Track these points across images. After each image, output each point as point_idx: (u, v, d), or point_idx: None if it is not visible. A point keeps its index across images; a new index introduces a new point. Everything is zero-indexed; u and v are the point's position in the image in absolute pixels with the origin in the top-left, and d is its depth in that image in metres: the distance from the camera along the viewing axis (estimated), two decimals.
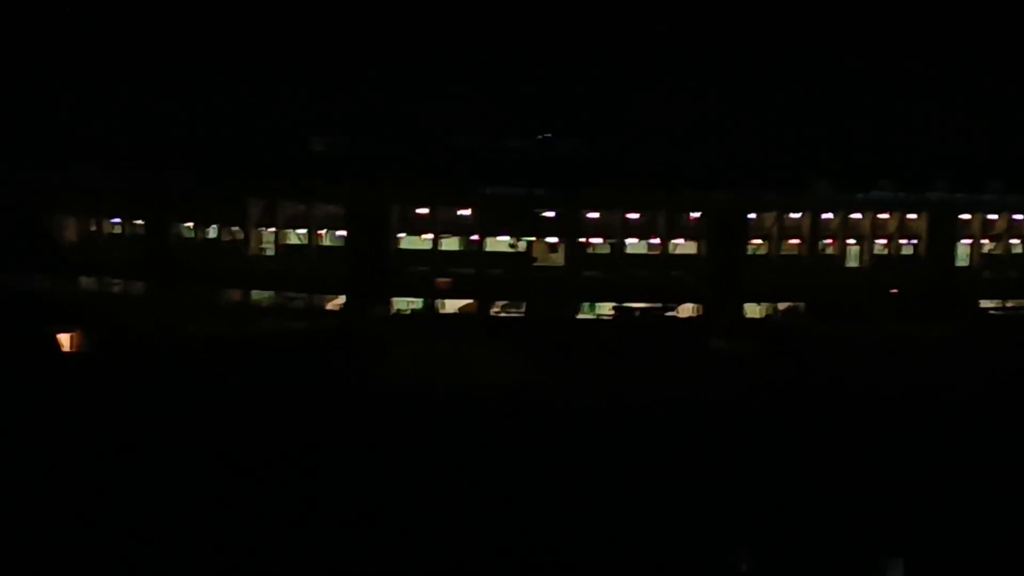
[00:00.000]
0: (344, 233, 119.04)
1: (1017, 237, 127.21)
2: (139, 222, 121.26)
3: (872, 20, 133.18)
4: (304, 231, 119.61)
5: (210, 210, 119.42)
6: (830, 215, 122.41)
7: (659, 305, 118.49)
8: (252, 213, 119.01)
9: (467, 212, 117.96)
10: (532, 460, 69.59)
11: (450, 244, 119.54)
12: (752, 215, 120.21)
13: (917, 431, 77.55)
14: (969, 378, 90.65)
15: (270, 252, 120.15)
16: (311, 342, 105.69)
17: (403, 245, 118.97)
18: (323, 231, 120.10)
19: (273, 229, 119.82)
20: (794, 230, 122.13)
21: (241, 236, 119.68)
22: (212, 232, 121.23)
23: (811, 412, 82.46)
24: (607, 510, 61.16)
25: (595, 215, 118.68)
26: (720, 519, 59.57)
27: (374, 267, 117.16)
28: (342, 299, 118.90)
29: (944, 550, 55.42)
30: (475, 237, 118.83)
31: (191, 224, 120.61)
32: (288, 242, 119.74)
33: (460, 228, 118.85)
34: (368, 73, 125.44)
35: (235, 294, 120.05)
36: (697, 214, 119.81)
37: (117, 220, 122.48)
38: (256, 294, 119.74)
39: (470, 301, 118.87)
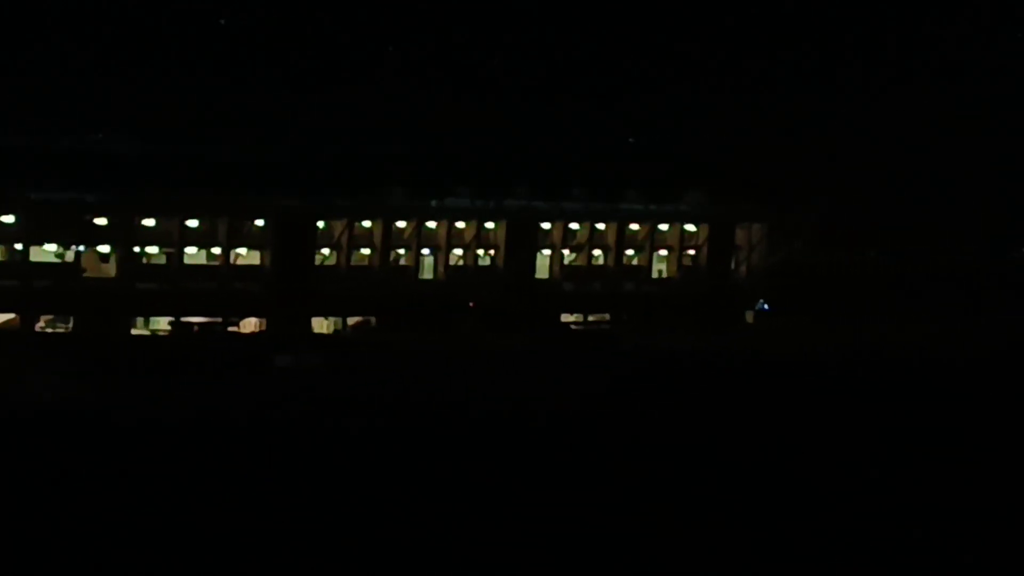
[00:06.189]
0: None
1: (599, 248, 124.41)
2: None
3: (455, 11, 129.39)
4: None
5: None
6: (403, 223, 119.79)
7: (220, 320, 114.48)
8: None
9: (9, 219, 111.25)
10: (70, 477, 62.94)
11: None
12: (320, 223, 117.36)
13: (480, 447, 73.39)
14: (538, 393, 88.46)
15: None
16: None
17: None
18: None
19: None
20: (366, 239, 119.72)
21: None
22: None
23: (369, 429, 77.44)
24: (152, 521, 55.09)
25: (150, 222, 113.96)
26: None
27: None
28: None
29: None
30: (18, 246, 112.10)
31: None
32: None
33: (1, 236, 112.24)
34: None
35: None
36: (261, 221, 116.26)
37: None
38: None
39: (12, 316, 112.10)
